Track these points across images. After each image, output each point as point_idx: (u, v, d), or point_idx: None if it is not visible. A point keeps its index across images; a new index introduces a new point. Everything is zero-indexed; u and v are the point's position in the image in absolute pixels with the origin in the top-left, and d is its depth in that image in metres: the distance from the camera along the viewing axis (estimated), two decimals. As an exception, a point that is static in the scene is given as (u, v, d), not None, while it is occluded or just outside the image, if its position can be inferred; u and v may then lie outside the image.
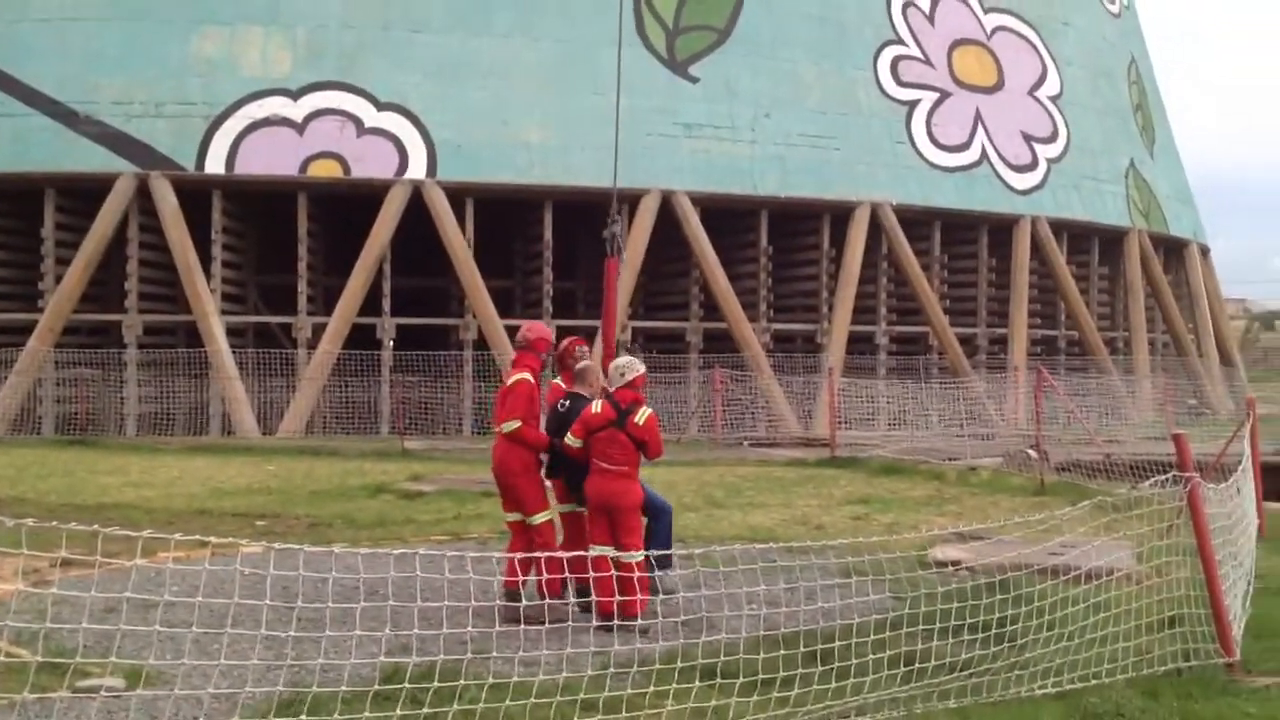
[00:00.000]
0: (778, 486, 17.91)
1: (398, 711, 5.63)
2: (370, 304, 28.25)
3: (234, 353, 27.62)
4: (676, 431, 26.36)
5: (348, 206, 29.75)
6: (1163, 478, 8.10)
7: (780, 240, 31.55)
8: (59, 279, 27.57)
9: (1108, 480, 16.92)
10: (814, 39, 32.26)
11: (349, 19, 29.01)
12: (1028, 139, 34.96)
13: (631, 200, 28.43)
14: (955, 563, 10.01)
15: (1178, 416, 29.78)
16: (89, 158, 27.49)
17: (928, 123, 33.04)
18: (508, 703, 5.92)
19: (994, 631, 7.33)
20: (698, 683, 6.45)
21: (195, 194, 27.70)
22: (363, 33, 28.97)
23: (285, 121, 27.86)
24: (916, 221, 32.51)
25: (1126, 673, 7.35)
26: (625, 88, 28.10)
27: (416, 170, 28.10)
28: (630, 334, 29.58)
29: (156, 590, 6.13)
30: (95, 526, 5.12)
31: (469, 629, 6.39)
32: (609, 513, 8.68)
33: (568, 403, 9.16)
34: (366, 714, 5.59)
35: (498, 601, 8.23)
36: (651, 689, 6.21)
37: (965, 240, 34.12)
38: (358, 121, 28.08)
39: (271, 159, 27.71)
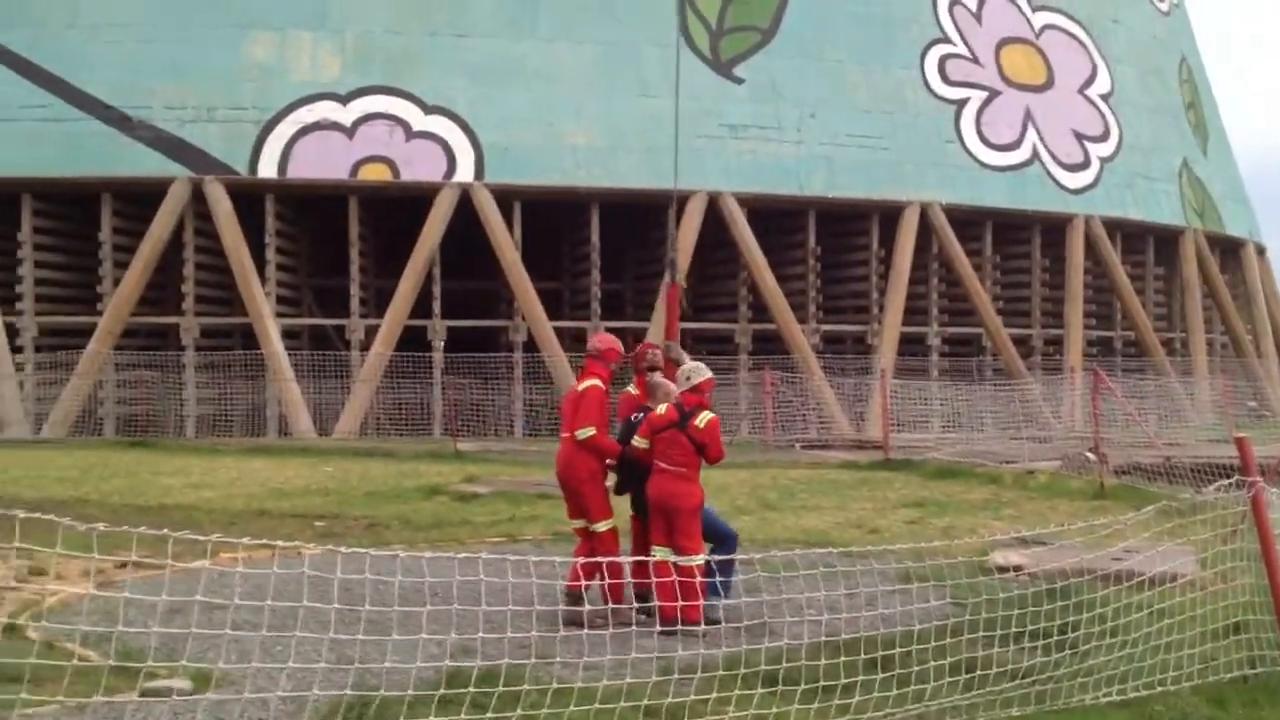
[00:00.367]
0: (831, 489, 17.82)
1: (462, 716, 5.65)
2: (421, 306, 28.44)
3: (289, 354, 27.90)
4: (728, 434, 26.16)
5: (397, 209, 29.97)
6: (1227, 482, 7.98)
7: (829, 241, 31.44)
8: (117, 282, 27.95)
9: (1169, 484, 16.66)
10: (860, 38, 32.12)
11: (396, 24, 29.21)
12: (1079, 138, 34.63)
13: (678, 202, 28.39)
14: (1016, 568, 9.91)
15: (1237, 418, 29.36)
16: (144, 162, 27.86)
17: (977, 122, 32.82)
18: (571, 708, 5.93)
19: (1056, 638, 7.25)
20: (759, 689, 6.43)
21: (249, 198, 28.01)
22: (410, 38, 29.16)
23: (335, 126, 28.10)
24: (967, 221, 32.29)
25: (1191, 680, 7.24)
26: (671, 89, 28.33)
27: (464, 173, 28.26)
28: (680, 336, 29.52)
29: (223, 592, 6.19)
30: (165, 530, 5.19)
31: (532, 633, 6.40)
32: (668, 515, 8.71)
33: (640, 415, 9.19)
34: (431, 719, 5.62)
35: (560, 606, 8.25)
36: (714, 695, 6.20)
37: (1018, 240, 33.85)
38: (406, 125, 28.27)
39: (322, 163, 27.97)
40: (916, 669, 6.65)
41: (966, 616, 7.01)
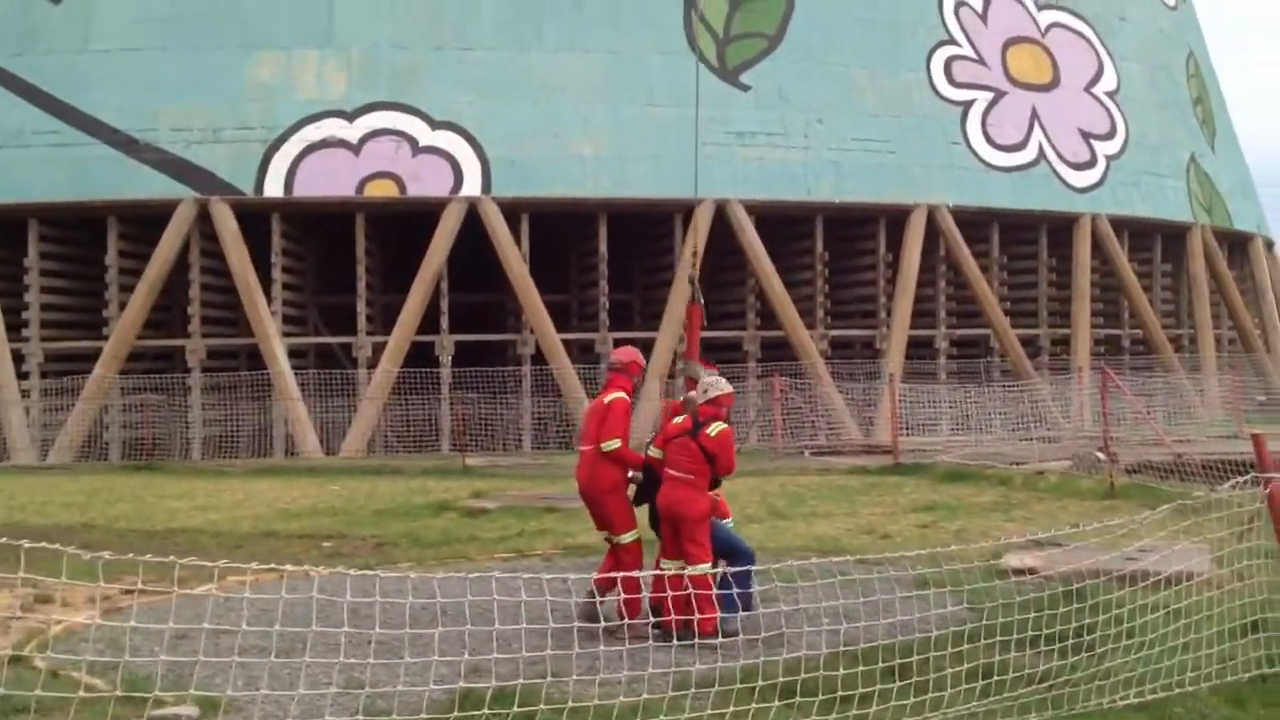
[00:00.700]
0: (841, 495, 17.75)
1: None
2: (428, 321, 28.40)
3: (296, 374, 27.85)
4: (737, 441, 26.21)
5: (404, 225, 29.94)
6: (1242, 479, 7.90)
7: (836, 246, 31.38)
8: (123, 306, 27.94)
9: (1180, 481, 16.58)
10: (866, 42, 32.07)
11: (401, 40, 29.23)
12: (1086, 136, 34.53)
13: (685, 210, 28.42)
14: (1030, 571, 9.83)
15: (1248, 414, 29.22)
16: (149, 184, 27.87)
17: (983, 123, 32.74)
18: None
19: (1072, 641, 7.19)
20: (776, 701, 6.37)
21: (255, 217, 28.01)
22: (415, 53, 29.16)
23: (341, 143, 28.11)
24: (974, 223, 32.20)
25: (1209, 680, 7.18)
26: (677, 97, 28.47)
27: (471, 187, 28.24)
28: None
29: (229, 618, 6.14)
30: (171, 557, 5.15)
31: (546, 651, 6.35)
32: (675, 523, 8.76)
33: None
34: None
35: (575, 613, 8.21)
36: (730, 709, 6.14)
37: (1024, 240, 33.75)
38: (413, 141, 28.27)
39: (329, 180, 27.97)
40: (934, 676, 6.59)
41: (983, 621, 6.95)
